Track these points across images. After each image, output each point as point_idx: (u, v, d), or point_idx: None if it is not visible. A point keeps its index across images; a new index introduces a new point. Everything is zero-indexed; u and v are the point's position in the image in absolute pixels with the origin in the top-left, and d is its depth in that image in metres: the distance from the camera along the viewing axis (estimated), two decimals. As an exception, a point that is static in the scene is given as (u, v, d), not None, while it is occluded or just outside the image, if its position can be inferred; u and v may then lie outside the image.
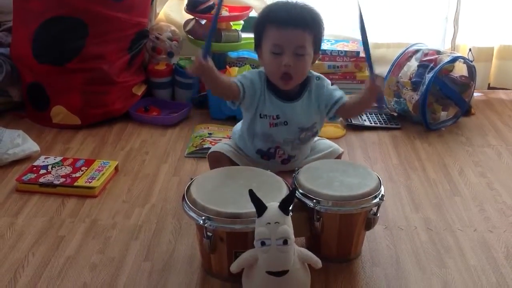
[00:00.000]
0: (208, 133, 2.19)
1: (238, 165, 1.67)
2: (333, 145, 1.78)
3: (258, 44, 1.63)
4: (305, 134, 1.68)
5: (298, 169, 1.57)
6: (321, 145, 1.78)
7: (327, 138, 1.89)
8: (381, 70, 2.59)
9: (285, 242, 1.25)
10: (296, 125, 1.65)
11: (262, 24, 1.60)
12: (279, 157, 1.71)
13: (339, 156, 1.77)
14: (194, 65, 1.51)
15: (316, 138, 1.79)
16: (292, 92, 1.64)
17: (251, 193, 1.28)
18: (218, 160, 1.67)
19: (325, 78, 1.69)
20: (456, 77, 2.35)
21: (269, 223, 1.26)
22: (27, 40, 2.20)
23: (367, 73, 1.62)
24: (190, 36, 2.52)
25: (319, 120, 1.69)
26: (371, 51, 2.54)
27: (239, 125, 1.77)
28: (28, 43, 2.20)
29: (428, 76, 2.25)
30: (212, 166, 1.70)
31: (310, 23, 1.58)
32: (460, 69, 2.40)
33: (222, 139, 2.11)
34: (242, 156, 1.72)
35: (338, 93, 1.66)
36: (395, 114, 2.42)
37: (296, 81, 1.62)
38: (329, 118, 1.69)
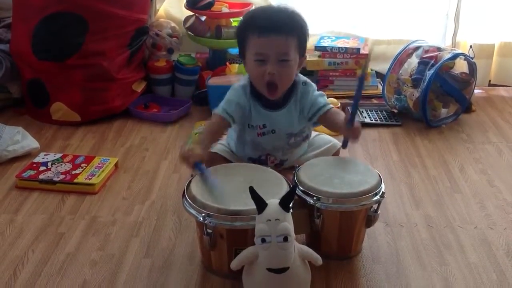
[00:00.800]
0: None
1: None
2: (332, 139, 1.78)
3: (242, 53, 1.62)
4: (294, 139, 1.68)
5: (298, 166, 1.57)
6: (320, 141, 1.78)
7: (328, 135, 1.89)
8: (382, 66, 2.60)
9: (286, 239, 1.25)
10: (283, 132, 1.65)
11: (244, 33, 1.58)
12: (271, 163, 1.71)
13: (338, 151, 1.77)
14: (181, 159, 1.49)
15: (314, 134, 1.79)
16: (277, 100, 1.62)
17: (252, 190, 1.27)
18: (212, 160, 1.65)
19: (312, 83, 1.67)
20: (457, 74, 2.34)
21: (270, 220, 1.26)
22: (27, 37, 2.19)
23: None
24: (190, 33, 2.52)
25: (308, 125, 1.69)
26: (371, 47, 2.55)
27: (231, 130, 1.74)
28: (27, 40, 2.19)
29: (429, 73, 2.24)
30: (207, 167, 1.69)
31: (292, 28, 1.55)
32: (461, 66, 2.40)
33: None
34: (237, 157, 1.72)
35: (322, 100, 1.65)
36: (396, 111, 2.41)
37: (282, 89, 1.59)
38: (313, 124, 1.69)
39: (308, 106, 1.64)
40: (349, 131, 1.56)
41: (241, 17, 1.64)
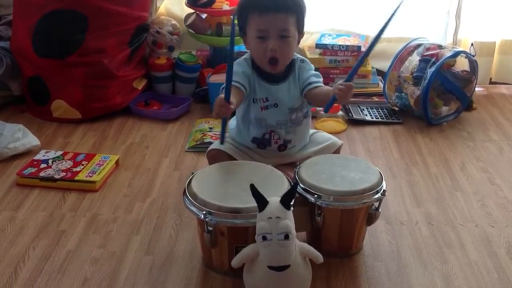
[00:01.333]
0: (209, 128, 2.18)
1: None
2: (332, 137, 1.81)
3: (243, 31, 1.68)
4: (296, 114, 1.71)
5: (299, 164, 1.57)
6: (320, 138, 1.81)
7: (328, 133, 1.89)
8: (383, 64, 2.59)
9: (287, 236, 1.25)
10: (285, 106, 1.69)
11: (245, 12, 1.65)
12: (275, 143, 1.73)
13: (338, 149, 1.79)
14: (217, 109, 1.51)
15: (314, 131, 1.83)
16: (278, 74, 1.69)
17: (252, 187, 1.27)
18: (216, 157, 1.67)
19: (309, 63, 1.74)
20: (458, 71, 2.34)
21: (271, 217, 1.26)
22: (27, 34, 2.19)
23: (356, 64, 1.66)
24: (190, 30, 2.51)
25: (305, 100, 1.73)
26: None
27: (233, 121, 1.80)
28: (28, 37, 2.19)
29: (430, 71, 2.24)
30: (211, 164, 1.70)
31: (292, 6, 1.63)
32: (462, 64, 2.39)
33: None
34: (241, 151, 1.73)
35: (315, 78, 1.70)
36: (397, 108, 2.41)
37: (283, 63, 1.67)
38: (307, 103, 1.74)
39: (302, 81, 1.70)
40: (340, 89, 1.52)
41: None
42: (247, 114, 1.72)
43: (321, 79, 1.72)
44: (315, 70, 1.73)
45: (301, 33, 1.69)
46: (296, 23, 1.64)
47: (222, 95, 1.49)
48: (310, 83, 1.68)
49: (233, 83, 1.61)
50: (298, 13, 1.64)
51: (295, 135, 1.74)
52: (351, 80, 1.55)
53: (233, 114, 1.77)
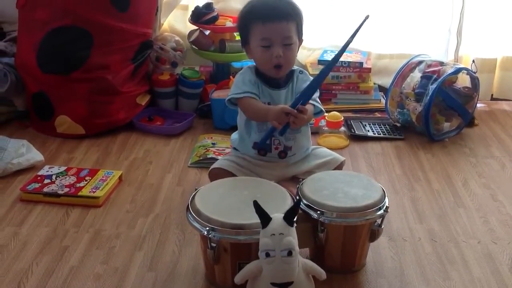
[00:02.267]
0: (212, 143, 2.19)
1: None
2: (334, 153, 1.84)
3: (245, 41, 1.75)
4: None
5: (302, 180, 1.58)
6: (322, 153, 1.83)
7: (331, 149, 1.91)
8: (385, 80, 2.61)
9: (290, 253, 1.25)
10: None
11: (248, 22, 1.71)
12: (275, 149, 1.76)
13: (340, 165, 1.80)
14: (278, 117, 1.62)
15: (315, 146, 1.86)
16: (279, 80, 1.75)
17: (256, 204, 1.28)
18: (218, 176, 1.68)
19: (308, 74, 1.80)
20: (460, 88, 2.35)
21: (274, 234, 1.26)
22: (32, 50, 2.21)
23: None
24: (194, 47, 2.54)
25: None
26: (374, 61, 2.61)
27: (235, 134, 1.85)
28: (33, 53, 2.21)
29: (432, 87, 2.25)
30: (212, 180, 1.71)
31: (292, 14, 1.70)
32: (464, 80, 2.40)
33: (226, 149, 2.11)
34: (243, 168, 1.75)
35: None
36: (398, 124, 2.42)
37: (287, 69, 1.73)
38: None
39: (297, 92, 1.74)
40: (295, 115, 1.62)
41: (241, 9, 1.76)
42: (249, 120, 1.76)
43: (317, 94, 1.75)
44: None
45: (300, 39, 1.76)
46: (296, 29, 1.71)
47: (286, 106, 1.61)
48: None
49: (245, 94, 1.70)
50: (298, 20, 1.72)
51: (295, 142, 1.77)
52: (306, 100, 1.64)
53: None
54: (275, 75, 1.72)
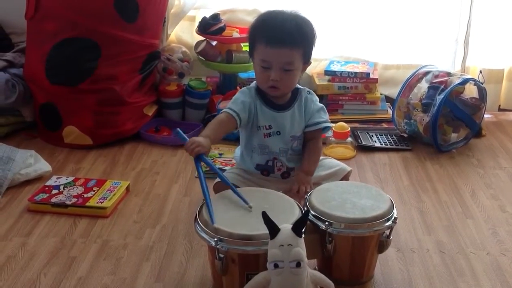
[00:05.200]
0: (219, 154, 2.19)
1: None
2: (341, 164, 1.83)
3: (251, 53, 1.72)
4: (297, 143, 1.74)
5: (310, 191, 1.57)
6: (329, 163, 1.82)
7: (337, 159, 1.91)
8: (392, 91, 2.61)
9: (298, 264, 1.25)
10: (288, 134, 1.72)
11: (254, 38, 1.69)
12: (278, 170, 1.75)
13: (347, 175, 1.80)
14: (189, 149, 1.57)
15: (322, 157, 1.84)
16: (283, 102, 1.72)
17: (264, 215, 1.27)
18: (222, 189, 1.66)
19: (314, 94, 1.77)
20: (467, 99, 2.35)
21: (282, 245, 1.26)
22: (40, 61, 2.22)
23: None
24: (201, 57, 2.54)
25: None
26: (381, 72, 2.59)
27: (238, 149, 1.84)
28: (41, 64, 2.22)
29: (439, 98, 2.25)
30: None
31: (298, 40, 1.64)
32: (471, 91, 2.40)
33: (232, 159, 2.11)
34: (247, 181, 1.75)
35: (321, 117, 1.74)
36: (406, 135, 2.41)
37: (284, 91, 1.70)
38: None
39: (310, 114, 1.74)
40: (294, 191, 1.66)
41: (254, 20, 1.72)
42: (250, 141, 1.74)
43: (327, 116, 1.76)
44: (323, 98, 1.77)
45: (306, 63, 1.71)
46: (302, 55, 1.66)
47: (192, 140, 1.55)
48: (315, 124, 1.73)
49: (227, 110, 1.67)
50: (305, 45, 1.66)
51: (298, 163, 1.75)
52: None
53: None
54: (271, 93, 1.69)
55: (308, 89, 1.77)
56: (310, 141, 1.75)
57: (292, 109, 1.72)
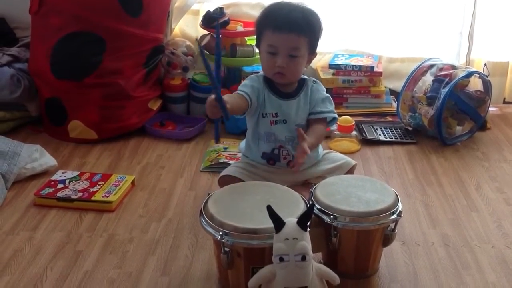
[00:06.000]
0: (224, 148, 2.19)
1: None
2: (345, 157, 1.84)
3: (258, 42, 1.76)
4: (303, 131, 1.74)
5: (315, 185, 1.58)
6: (334, 157, 1.84)
7: (342, 153, 1.91)
8: (396, 84, 2.61)
9: (304, 258, 1.25)
10: (293, 122, 1.74)
11: (261, 26, 1.73)
12: (284, 159, 1.77)
13: (352, 168, 1.81)
14: (209, 110, 1.58)
15: (327, 151, 1.87)
16: (289, 90, 1.75)
17: (269, 208, 1.28)
18: (227, 183, 1.67)
19: (321, 84, 1.80)
20: (472, 91, 2.34)
21: (288, 239, 1.26)
22: (45, 56, 2.22)
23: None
24: (205, 51, 2.54)
25: None
26: (385, 65, 2.60)
27: (243, 142, 1.87)
28: (46, 59, 2.22)
29: (444, 91, 2.24)
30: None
31: (305, 28, 1.68)
32: (476, 84, 2.40)
33: (237, 153, 2.11)
34: (253, 174, 1.75)
35: (326, 107, 1.76)
36: (410, 128, 2.41)
37: (290, 78, 1.73)
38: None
39: (314, 103, 1.76)
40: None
41: (261, 11, 1.77)
42: (257, 129, 1.77)
43: (332, 106, 1.77)
44: (327, 91, 1.79)
45: (312, 53, 1.75)
46: (308, 44, 1.70)
47: (213, 96, 1.54)
48: (317, 113, 1.75)
49: (238, 91, 1.71)
50: (311, 34, 1.71)
51: None
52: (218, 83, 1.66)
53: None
54: (277, 80, 1.73)
55: (314, 79, 1.80)
56: (314, 124, 1.76)
57: (298, 98, 1.75)
